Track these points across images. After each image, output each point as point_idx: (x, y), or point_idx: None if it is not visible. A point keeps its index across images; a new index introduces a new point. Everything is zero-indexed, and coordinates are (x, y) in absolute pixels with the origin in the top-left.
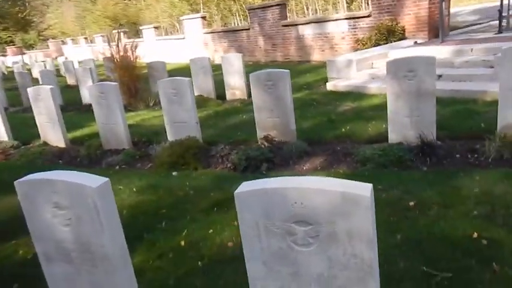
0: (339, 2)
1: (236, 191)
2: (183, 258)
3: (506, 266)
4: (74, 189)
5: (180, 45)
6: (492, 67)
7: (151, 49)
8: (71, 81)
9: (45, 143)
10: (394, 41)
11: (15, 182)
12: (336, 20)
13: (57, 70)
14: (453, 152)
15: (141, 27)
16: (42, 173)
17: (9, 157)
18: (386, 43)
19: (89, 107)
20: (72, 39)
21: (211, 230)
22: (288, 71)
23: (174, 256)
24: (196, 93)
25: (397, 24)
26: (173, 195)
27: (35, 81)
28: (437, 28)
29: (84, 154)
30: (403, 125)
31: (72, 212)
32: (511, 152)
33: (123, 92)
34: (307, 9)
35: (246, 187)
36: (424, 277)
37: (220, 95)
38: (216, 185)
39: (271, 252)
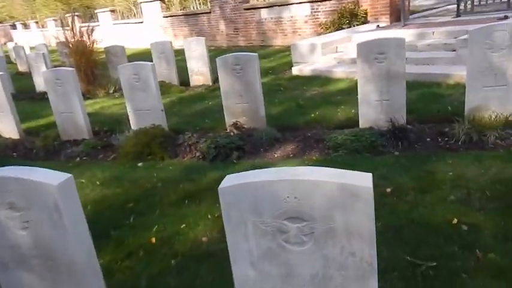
0: None
1: (220, 186)
2: (155, 256)
3: (489, 252)
4: (31, 188)
5: (138, 30)
6: (454, 50)
7: (108, 34)
8: (22, 68)
9: None
10: (357, 25)
11: None
12: (299, 3)
13: (7, 56)
14: (423, 135)
15: (96, 11)
16: None
17: None
18: (350, 27)
19: (43, 95)
20: (22, 24)
21: (183, 225)
22: (256, 54)
23: (145, 254)
24: (158, 79)
25: (359, 8)
26: (140, 187)
27: None
28: (399, 12)
29: (40, 146)
30: (374, 109)
31: (30, 214)
32: (479, 134)
33: (80, 79)
34: None
35: (230, 181)
36: (408, 267)
37: (184, 81)
38: (185, 175)
39: (260, 252)
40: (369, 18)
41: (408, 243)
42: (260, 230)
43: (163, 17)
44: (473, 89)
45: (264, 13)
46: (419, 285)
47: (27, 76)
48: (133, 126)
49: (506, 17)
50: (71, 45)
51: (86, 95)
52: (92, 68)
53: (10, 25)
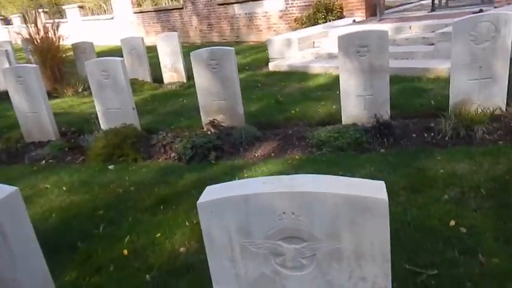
0: None
1: (200, 200)
2: (127, 271)
3: (492, 256)
4: None
5: (108, 26)
6: (432, 44)
7: (77, 31)
8: None
9: None
10: (333, 20)
11: None
12: None
13: None
14: (409, 131)
15: (64, 7)
16: None
17: None
18: (325, 22)
19: (5, 94)
20: None
21: (158, 234)
22: (232, 48)
23: (116, 269)
24: (129, 77)
25: (335, 2)
26: (111, 192)
27: None
28: (374, 6)
29: (1, 148)
30: (357, 105)
31: None
32: (467, 129)
33: (46, 77)
34: None
35: (212, 193)
36: (408, 275)
37: (157, 78)
38: (160, 178)
39: (251, 279)
40: (344, 13)
41: (405, 249)
42: (250, 252)
43: (134, 13)
44: (458, 82)
45: (238, 8)
46: None
47: None
48: (103, 126)
49: (481, 11)
50: (35, 42)
51: (53, 94)
52: (59, 66)
53: None
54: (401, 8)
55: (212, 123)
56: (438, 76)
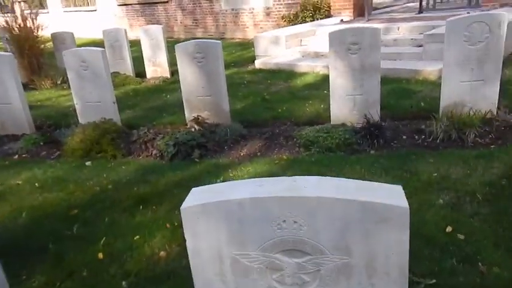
0: None
1: (184, 205)
2: (102, 276)
3: (493, 265)
4: None
5: (91, 19)
6: (421, 46)
7: (58, 22)
8: None
9: None
10: (320, 18)
11: None
12: None
13: None
14: (399, 133)
15: None
16: None
17: None
18: (313, 20)
19: None
20: None
21: (137, 236)
22: (219, 42)
23: (90, 274)
24: (111, 71)
25: (323, 1)
26: (87, 191)
27: None
28: (362, 6)
29: None
30: (346, 105)
31: None
32: (459, 132)
33: (23, 68)
34: None
35: (198, 197)
36: None
37: (140, 72)
38: (140, 176)
39: None
40: (332, 12)
41: None
42: (242, 266)
43: (118, 5)
44: (450, 83)
45: (224, 4)
46: None
47: None
48: (82, 120)
49: (468, 14)
50: (12, 30)
51: (30, 86)
52: (37, 56)
53: None
54: (388, 9)
55: (196, 120)
56: (426, 78)
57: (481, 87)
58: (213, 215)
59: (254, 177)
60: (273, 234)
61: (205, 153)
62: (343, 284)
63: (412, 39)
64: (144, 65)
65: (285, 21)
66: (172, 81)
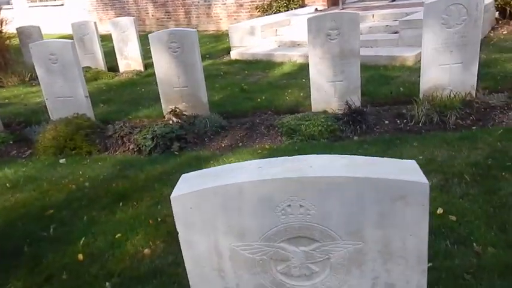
0: None
1: (174, 194)
2: (84, 278)
3: (488, 245)
4: None
5: (58, 13)
6: (396, 32)
7: (23, 18)
8: None
9: None
10: (295, 8)
11: None
12: None
13: None
14: (381, 118)
15: None
16: None
17: None
18: (287, 10)
19: None
20: None
21: (118, 234)
22: (195, 30)
23: (70, 277)
24: (81, 66)
25: None
26: (62, 189)
27: None
28: None
29: None
30: (327, 92)
31: None
32: (440, 115)
33: None
34: None
35: (189, 183)
36: None
37: (112, 67)
38: (118, 172)
39: None
40: (306, 2)
41: None
42: (243, 259)
43: None
44: (429, 67)
45: None
46: None
47: None
48: (53, 116)
49: None
50: None
51: None
52: (3, 52)
53: None
54: None
55: (174, 112)
56: (403, 64)
57: (460, 70)
58: (209, 202)
59: None
60: (277, 221)
61: (185, 145)
62: (355, 272)
63: (387, 26)
64: (116, 59)
65: (259, 11)
66: (147, 75)
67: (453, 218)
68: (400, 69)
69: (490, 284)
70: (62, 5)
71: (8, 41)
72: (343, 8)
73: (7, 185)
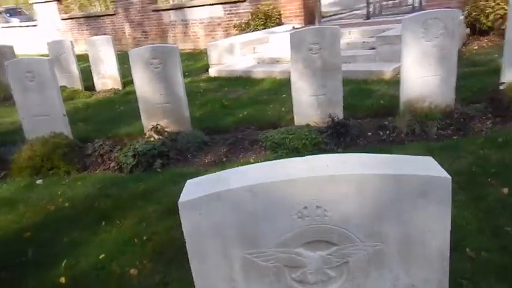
0: None
1: (181, 199)
2: None
3: (481, 250)
4: None
5: (32, 34)
6: (373, 48)
7: None
8: None
9: None
10: (272, 26)
11: None
12: (211, 4)
13: None
14: (364, 130)
15: None
16: None
17: None
18: (265, 28)
19: None
20: None
21: (102, 255)
22: (176, 46)
23: None
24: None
25: (273, 9)
26: (40, 211)
27: None
28: (312, 14)
29: None
30: (310, 105)
31: None
32: (421, 125)
33: None
34: None
35: (197, 188)
36: None
37: (89, 86)
38: (99, 191)
39: None
40: (283, 20)
41: None
42: (256, 267)
43: (62, 19)
44: (409, 79)
45: (173, 15)
46: None
47: None
48: (29, 135)
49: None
50: None
51: None
52: None
53: None
54: (335, 17)
55: (155, 129)
56: (382, 78)
57: (439, 82)
58: (219, 207)
59: None
60: (293, 225)
61: (167, 162)
62: (373, 275)
63: (364, 42)
64: (93, 78)
65: (236, 30)
66: (125, 93)
67: None
68: (379, 84)
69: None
70: (35, 25)
71: None
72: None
73: None
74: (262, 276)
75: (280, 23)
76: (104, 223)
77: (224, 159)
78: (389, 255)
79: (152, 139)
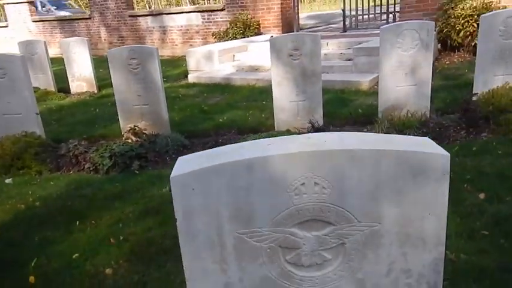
0: None
1: (173, 174)
2: None
3: (460, 252)
4: None
5: (2, 36)
6: (350, 59)
7: None
8: None
9: None
10: (251, 35)
11: None
12: (189, 12)
13: None
14: None
15: None
16: None
17: None
18: (244, 37)
19: None
20: None
21: (76, 254)
22: (156, 47)
23: None
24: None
25: (252, 19)
26: (9, 210)
27: None
28: (290, 24)
29: None
30: (290, 111)
31: None
32: (399, 133)
33: None
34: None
35: (190, 164)
36: None
37: (63, 88)
38: (74, 191)
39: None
40: (261, 30)
41: None
42: (249, 248)
43: (33, 21)
44: (386, 88)
45: (151, 21)
46: None
47: None
48: None
49: None
50: None
51: None
52: None
53: None
54: (313, 29)
55: (133, 131)
56: (359, 88)
57: (414, 92)
58: (213, 183)
59: None
60: (289, 202)
61: (145, 164)
62: (370, 257)
63: (341, 53)
64: (67, 80)
65: (215, 38)
66: (101, 96)
67: None
68: (356, 94)
69: None
70: (6, 26)
71: None
72: None
73: None
74: (255, 258)
75: (258, 33)
76: (78, 223)
77: None
78: (387, 237)
79: (130, 141)
